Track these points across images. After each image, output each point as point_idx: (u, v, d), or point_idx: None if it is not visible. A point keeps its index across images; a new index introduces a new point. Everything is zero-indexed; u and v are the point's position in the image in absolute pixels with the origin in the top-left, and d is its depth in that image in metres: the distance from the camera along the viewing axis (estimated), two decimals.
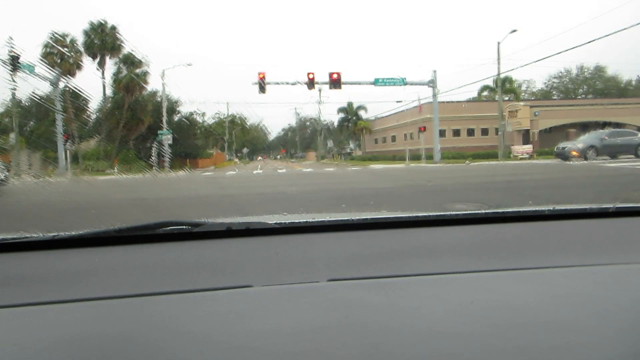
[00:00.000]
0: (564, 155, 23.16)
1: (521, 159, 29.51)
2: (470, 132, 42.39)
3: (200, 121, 44.55)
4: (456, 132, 42.18)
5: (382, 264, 1.29)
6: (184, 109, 37.48)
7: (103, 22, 32.17)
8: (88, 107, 27.69)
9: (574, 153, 22.69)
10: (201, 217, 1.53)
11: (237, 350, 0.82)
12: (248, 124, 64.04)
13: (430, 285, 1.14)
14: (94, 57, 33.02)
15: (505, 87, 39.82)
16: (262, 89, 26.23)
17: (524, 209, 1.84)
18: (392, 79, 29.62)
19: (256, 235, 1.51)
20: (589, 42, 39.08)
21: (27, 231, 1.41)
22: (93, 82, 33.79)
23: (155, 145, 24.65)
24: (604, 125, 37.91)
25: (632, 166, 16.73)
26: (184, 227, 1.46)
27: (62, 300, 1.06)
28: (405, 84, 30.07)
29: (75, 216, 4.88)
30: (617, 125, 39.04)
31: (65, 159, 19.78)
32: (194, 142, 37.75)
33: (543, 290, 1.09)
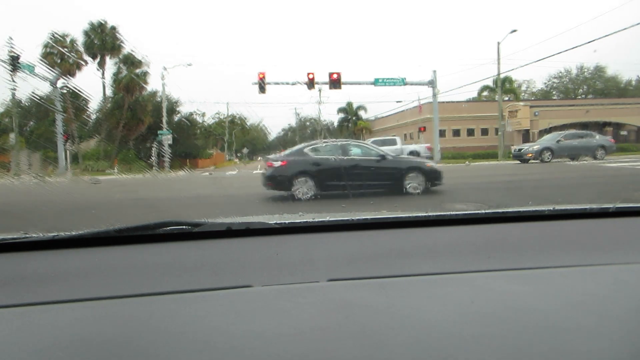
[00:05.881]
0: (521, 158, 22.88)
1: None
2: (470, 132, 42.32)
3: (200, 121, 44.60)
4: (456, 132, 42.12)
5: (382, 264, 1.29)
6: (184, 109, 37.52)
7: (103, 22, 32.24)
8: (88, 107, 27.67)
9: (529, 155, 22.43)
10: (201, 217, 1.53)
11: (236, 350, 0.82)
12: (248, 124, 63.88)
13: (430, 285, 1.14)
14: (94, 57, 33.10)
15: (505, 87, 39.77)
16: (262, 89, 26.14)
17: (524, 209, 1.83)
18: (392, 79, 29.51)
19: (256, 235, 1.51)
20: (589, 42, 39.14)
21: (27, 231, 1.41)
22: (93, 82, 33.84)
23: (155, 145, 24.63)
24: (603, 125, 37.81)
25: (631, 166, 16.77)
26: (184, 227, 1.46)
27: (62, 300, 1.05)
28: (405, 84, 29.96)
29: (75, 216, 4.87)
30: (617, 125, 39.01)
31: (65, 159, 19.71)
32: (194, 142, 37.73)
33: (543, 290, 1.09)
